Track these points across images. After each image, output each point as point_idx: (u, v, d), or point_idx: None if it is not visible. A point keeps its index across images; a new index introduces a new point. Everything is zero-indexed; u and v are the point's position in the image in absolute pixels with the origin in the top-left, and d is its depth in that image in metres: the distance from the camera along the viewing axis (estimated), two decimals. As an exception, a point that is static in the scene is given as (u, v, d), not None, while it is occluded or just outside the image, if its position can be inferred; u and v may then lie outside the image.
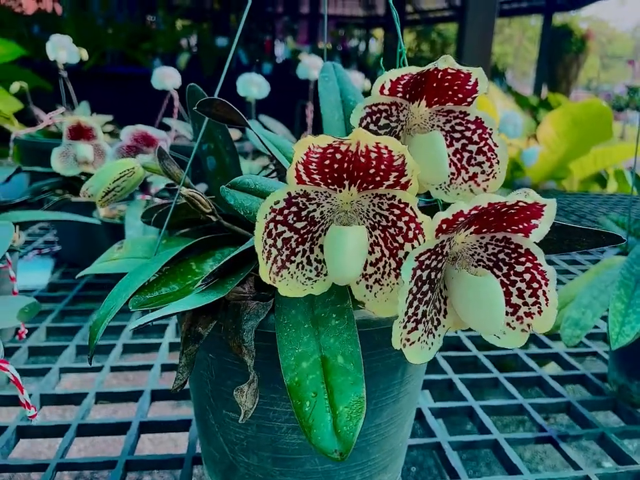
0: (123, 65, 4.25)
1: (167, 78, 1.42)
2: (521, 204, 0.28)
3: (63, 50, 1.44)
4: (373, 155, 0.29)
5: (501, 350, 0.76)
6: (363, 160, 0.29)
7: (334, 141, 0.28)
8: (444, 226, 0.28)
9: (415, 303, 0.28)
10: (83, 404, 0.59)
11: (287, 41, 4.91)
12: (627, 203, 1.80)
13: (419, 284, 0.28)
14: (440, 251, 0.29)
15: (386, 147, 0.28)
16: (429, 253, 0.28)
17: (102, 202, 0.39)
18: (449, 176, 0.36)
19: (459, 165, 0.36)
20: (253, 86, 1.20)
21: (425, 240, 0.30)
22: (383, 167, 0.29)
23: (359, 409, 0.27)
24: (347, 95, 0.45)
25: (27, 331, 0.60)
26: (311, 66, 1.27)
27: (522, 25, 10.85)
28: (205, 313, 0.34)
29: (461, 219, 0.28)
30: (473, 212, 0.27)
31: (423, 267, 0.28)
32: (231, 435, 0.40)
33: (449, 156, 0.36)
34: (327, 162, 0.29)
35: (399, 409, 0.41)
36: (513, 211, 0.29)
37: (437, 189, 0.36)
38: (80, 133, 0.97)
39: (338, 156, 0.29)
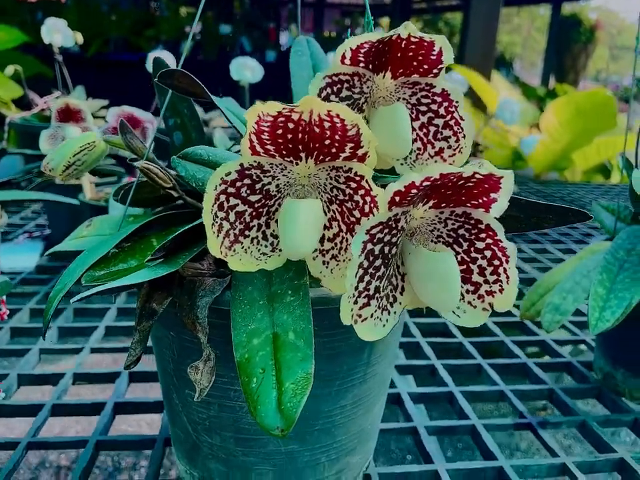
0: (126, 52, 4.24)
1: (161, 62, 1.41)
2: (477, 176, 0.27)
3: (57, 33, 1.43)
4: (327, 125, 0.28)
5: (486, 336, 0.75)
6: (317, 130, 0.28)
7: (284, 109, 0.27)
8: (397, 198, 0.27)
9: (367, 278, 0.27)
10: (59, 384, 0.59)
11: (291, 29, 4.87)
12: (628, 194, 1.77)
13: (371, 258, 0.27)
14: (394, 225, 0.28)
15: (338, 115, 0.27)
16: (381, 226, 0.27)
17: (63, 176, 0.39)
18: (415, 151, 0.35)
19: (425, 140, 0.35)
20: (247, 70, 1.18)
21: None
22: (337, 137, 0.28)
23: (305, 385, 0.27)
24: (320, 70, 0.44)
25: (8, 312, 0.59)
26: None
27: (531, 15, 10.70)
28: (160, 289, 0.33)
29: (414, 190, 0.26)
30: (425, 183, 0.26)
31: (375, 240, 0.27)
32: (193, 414, 0.39)
33: (415, 130, 0.35)
34: (280, 132, 0.28)
35: (367, 391, 0.40)
36: (470, 184, 0.28)
37: (402, 164, 0.35)
38: (68, 115, 0.96)
39: (291, 125, 0.28)
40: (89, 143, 0.38)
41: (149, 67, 1.43)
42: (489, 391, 0.62)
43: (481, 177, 0.27)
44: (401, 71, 0.34)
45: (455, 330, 0.76)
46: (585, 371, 0.66)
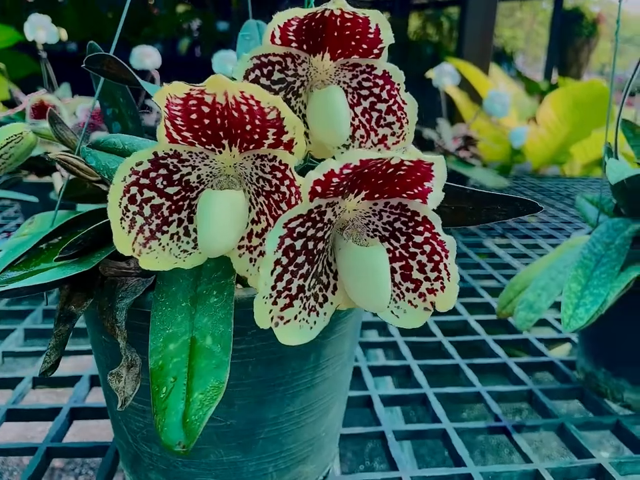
0: (124, 50, 4.22)
1: (146, 57, 1.38)
2: (406, 163, 0.24)
3: (41, 30, 1.40)
4: (244, 108, 0.25)
5: (466, 335, 0.73)
6: (236, 114, 0.26)
7: (191, 89, 0.24)
8: (318, 188, 0.24)
9: (287, 277, 0.25)
10: (16, 388, 0.57)
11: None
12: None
13: (291, 254, 0.25)
14: (318, 218, 0.25)
15: (252, 97, 0.25)
16: (301, 219, 0.25)
17: (-10, 170, 0.36)
18: (358, 139, 0.32)
19: (368, 127, 0.32)
20: (229, 63, 1.16)
21: (303, 205, 0.26)
22: (257, 122, 0.26)
23: (214, 396, 0.24)
24: (271, 56, 0.42)
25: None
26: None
27: (533, 9, 10.60)
28: (79, 290, 0.31)
29: (335, 179, 0.24)
30: (346, 170, 0.23)
31: (295, 235, 0.25)
32: (131, 423, 0.37)
33: (357, 116, 0.32)
34: (195, 116, 0.26)
35: (317, 396, 0.38)
36: (401, 172, 0.25)
37: (343, 153, 0.32)
38: (44, 111, 0.94)
39: (206, 109, 0.26)
40: (15, 135, 0.36)
41: (133, 61, 1.41)
42: (465, 393, 0.59)
43: (411, 164, 0.24)
44: (339, 51, 0.31)
45: (436, 329, 0.74)
46: (568, 370, 0.64)
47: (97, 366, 0.40)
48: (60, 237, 0.35)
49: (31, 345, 0.69)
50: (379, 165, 0.24)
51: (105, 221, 0.29)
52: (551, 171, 2.56)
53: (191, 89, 0.24)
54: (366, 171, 0.25)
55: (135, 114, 0.39)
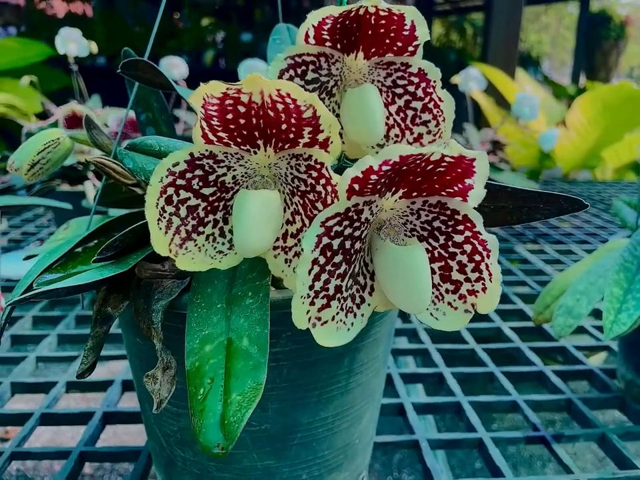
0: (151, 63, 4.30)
1: (173, 68, 1.40)
2: (447, 159, 0.23)
3: (72, 43, 1.44)
4: (280, 107, 0.25)
5: (500, 343, 0.71)
6: (271, 114, 0.26)
7: (228, 89, 0.24)
8: (356, 186, 0.24)
9: (324, 276, 0.25)
10: (50, 393, 0.58)
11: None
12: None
13: (329, 254, 0.24)
14: (355, 217, 0.25)
15: (288, 95, 0.24)
16: (338, 218, 0.24)
17: (28, 176, 0.37)
18: (392, 138, 0.32)
19: (402, 126, 0.32)
20: (256, 72, 1.16)
21: (340, 204, 0.26)
22: (293, 120, 0.26)
23: (253, 397, 0.24)
24: (302, 59, 0.41)
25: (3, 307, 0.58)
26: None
27: (559, 13, 10.46)
28: (115, 292, 0.31)
29: (374, 177, 0.23)
30: (385, 167, 0.23)
31: (332, 233, 0.24)
32: (165, 426, 0.37)
33: (392, 115, 0.32)
34: (231, 116, 0.26)
35: (351, 402, 0.37)
36: (441, 169, 0.24)
37: (377, 152, 0.32)
38: (75, 122, 0.96)
39: (242, 109, 0.25)
40: (52, 140, 0.36)
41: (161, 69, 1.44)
42: (500, 402, 0.57)
43: (451, 160, 0.23)
44: (374, 50, 0.31)
45: (468, 336, 0.72)
46: (608, 379, 0.61)
47: (131, 369, 0.40)
48: (96, 240, 0.35)
49: (64, 350, 0.70)
50: (418, 162, 0.23)
51: (141, 222, 0.29)
52: (582, 176, 2.50)
53: (227, 88, 0.24)
54: (404, 168, 0.24)
55: (168, 118, 0.39)
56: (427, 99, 0.31)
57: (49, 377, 0.62)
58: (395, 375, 0.62)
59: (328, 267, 0.25)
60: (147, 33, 4.54)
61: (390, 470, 1.07)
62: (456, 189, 0.26)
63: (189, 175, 0.27)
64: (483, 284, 0.27)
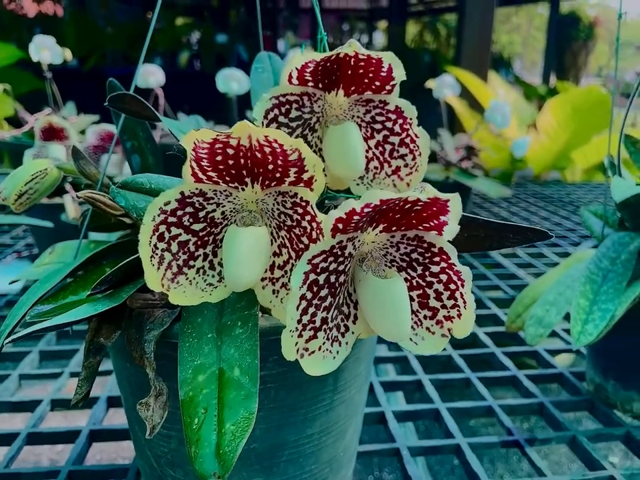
0: (124, 65, 4.26)
1: (150, 75, 1.40)
2: (423, 200, 0.25)
3: (46, 50, 1.42)
4: (267, 150, 0.27)
5: (476, 348, 0.73)
6: (259, 155, 0.27)
7: (218, 135, 0.26)
8: (340, 225, 0.26)
9: (311, 310, 0.26)
10: (36, 411, 0.58)
11: (287, 36, 4.87)
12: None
13: (315, 289, 0.26)
14: (339, 252, 0.27)
15: (276, 141, 0.26)
16: (324, 255, 0.26)
17: (16, 206, 0.38)
18: (372, 170, 0.34)
19: (381, 159, 0.33)
20: (233, 81, 1.17)
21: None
22: (279, 162, 0.27)
23: (246, 427, 0.25)
24: (283, 87, 0.43)
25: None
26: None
27: (529, 14, 10.67)
28: (108, 322, 0.32)
29: (356, 217, 0.25)
30: (367, 209, 0.25)
31: (318, 270, 0.26)
32: (156, 448, 0.38)
33: (371, 149, 0.33)
34: (220, 158, 0.27)
35: (336, 418, 0.39)
36: (418, 208, 0.26)
37: (358, 184, 0.34)
38: (52, 133, 0.96)
39: (230, 151, 0.27)
40: (40, 171, 0.37)
41: (138, 81, 1.43)
42: (477, 407, 0.60)
43: (427, 200, 0.25)
44: (353, 88, 0.32)
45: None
46: (577, 382, 0.65)
47: (120, 392, 0.41)
48: (84, 270, 0.36)
49: (46, 367, 0.70)
50: (397, 202, 0.25)
51: (133, 257, 0.30)
52: (552, 177, 2.57)
53: (217, 135, 0.25)
54: (384, 207, 0.26)
55: (154, 147, 0.40)
56: (403, 135, 0.32)
57: (34, 394, 0.62)
58: (376, 384, 0.64)
59: (315, 301, 0.26)
60: (118, 33, 4.49)
61: (371, 469, 1.10)
62: (432, 224, 0.27)
63: (179, 213, 0.28)
64: (458, 310, 0.29)
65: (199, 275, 0.29)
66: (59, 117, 1.23)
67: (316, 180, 0.28)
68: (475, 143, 1.45)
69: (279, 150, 0.26)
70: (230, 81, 1.18)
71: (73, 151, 0.37)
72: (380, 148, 0.33)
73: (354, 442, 0.44)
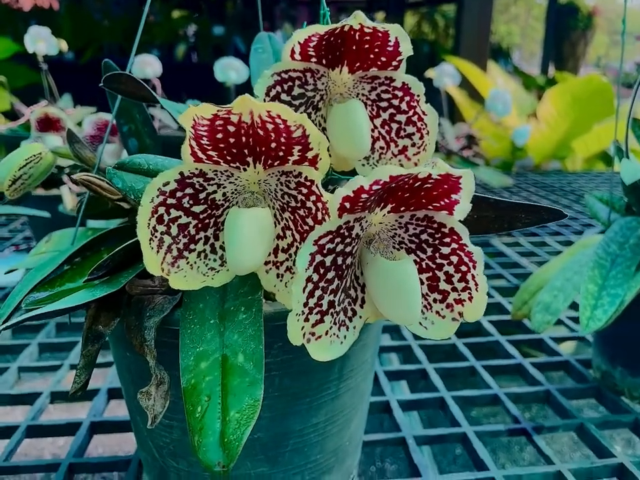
0: (120, 58, 4.22)
1: (147, 66, 1.38)
2: (434, 177, 0.24)
3: (41, 42, 1.41)
4: (270, 127, 0.25)
5: (480, 337, 0.73)
6: (261, 132, 0.26)
7: (218, 110, 0.25)
8: (347, 205, 0.24)
9: (318, 293, 0.25)
10: (35, 404, 0.57)
11: (285, 27, 4.84)
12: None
13: (322, 271, 0.25)
14: (346, 233, 0.26)
15: (279, 116, 0.25)
16: (330, 236, 0.25)
17: (10, 192, 0.36)
18: (378, 150, 0.33)
19: (387, 138, 0.32)
20: (232, 71, 1.16)
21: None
22: (282, 139, 0.26)
23: (251, 415, 0.24)
24: (283, 68, 0.42)
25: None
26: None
27: (528, 3, 10.60)
28: (106, 310, 0.31)
29: (364, 195, 0.24)
30: (375, 187, 0.24)
31: (325, 251, 0.25)
32: (158, 438, 0.37)
33: (376, 128, 0.32)
34: (221, 135, 0.26)
35: (341, 406, 0.38)
36: (428, 186, 0.25)
37: (363, 165, 0.32)
38: (48, 124, 0.94)
39: (231, 128, 0.26)
40: (34, 155, 0.36)
41: (135, 71, 1.41)
42: (482, 395, 0.59)
43: (438, 177, 0.24)
44: (358, 64, 0.31)
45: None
46: (583, 369, 0.64)
47: (120, 381, 0.40)
48: (81, 257, 0.35)
49: (46, 360, 0.69)
50: (406, 180, 0.24)
51: (132, 241, 0.29)
52: (553, 166, 2.55)
53: (218, 110, 0.24)
54: (393, 185, 0.25)
55: (151, 130, 0.39)
56: (410, 112, 0.31)
57: (33, 387, 0.61)
58: (380, 373, 0.63)
59: (321, 284, 0.25)
60: (114, 26, 4.45)
61: (373, 459, 1.09)
62: (442, 203, 0.26)
63: (179, 194, 0.27)
64: (470, 293, 0.28)
65: (200, 259, 0.28)
66: (56, 108, 1.21)
67: (321, 158, 0.27)
68: (475, 132, 1.44)
69: (282, 126, 0.25)
70: (228, 70, 1.16)
71: (68, 134, 0.36)
72: (386, 127, 0.32)
73: (359, 431, 0.43)
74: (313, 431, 0.37)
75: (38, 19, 4.32)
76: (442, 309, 0.29)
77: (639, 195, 0.55)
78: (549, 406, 0.60)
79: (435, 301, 0.29)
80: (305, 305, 0.25)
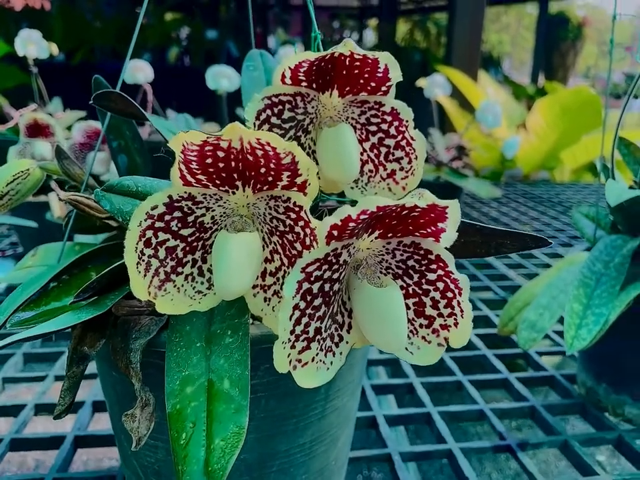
0: (112, 60, 4.20)
1: (138, 71, 1.38)
2: (420, 207, 0.24)
3: (32, 45, 1.40)
4: (259, 153, 0.26)
5: (467, 351, 0.73)
6: (250, 158, 0.26)
7: (208, 137, 0.25)
8: (335, 232, 0.25)
9: (305, 320, 0.25)
10: (20, 416, 0.56)
11: (278, 33, 4.85)
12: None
13: (309, 298, 0.25)
14: (334, 260, 0.26)
15: (268, 143, 0.25)
16: (318, 263, 0.25)
17: (-3, 207, 0.36)
18: (366, 174, 0.33)
19: (376, 162, 0.33)
20: (223, 78, 1.16)
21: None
22: (272, 165, 0.26)
23: (236, 442, 0.24)
24: (274, 86, 0.42)
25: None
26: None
27: (519, 13, 10.72)
28: (92, 330, 0.31)
29: (352, 224, 0.24)
30: (363, 216, 0.24)
31: (312, 278, 0.25)
32: (142, 458, 0.37)
33: (365, 151, 0.33)
34: (210, 160, 0.26)
35: (327, 426, 0.38)
36: (415, 214, 0.25)
37: (352, 188, 0.33)
38: (37, 130, 0.94)
39: (221, 154, 0.26)
40: (22, 172, 0.36)
41: (126, 76, 1.41)
42: (468, 411, 0.59)
43: (425, 207, 0.24)
44: (348, 89, 0.31)
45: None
46: (568, 385, 0.64)
47: (106, 399, 0.39)
48: (68, 274, 0.35)
49: (31, 370, 0.68)
50: (394, 208, 0.24)
51: (118, 263, 0.29)
52: (541, 176, 2.58)
53: (207, 137, 0.24)
54: (381, 213, 0.25)
55: (141, 147, 0.39)
56: (399, 137, 0.32)
57: (17, 398, 0.60)
58: (367, 387, 0.63)
59: (308, 311, 0.25)
60: (106, 27, 4.42)
61: (360, 468, 1.09)
62: (429, 230, 0.27)
63: (167, 217, 0.27)
64: (455, 319, 0.28)
65: (188, 282, 0.28)
66: (45, 113, 1.21)
67: (309, 184, 0.27)
68: (465, 143, 1.45)
69: (271, 153, 0.25)
70: (220, 77, 1.16)
71: (56, 150, 0.36)
72: (375, 150, 0.32)
73: (345, 449, 0.43)
74: (299, 451, 0.37)
75: (29, 19, 4.29)
76: (428, 334, 0.29)
77: (624, 214, 0.56)
78: (534, 422, 0.60)
79: (421, 326, 0.29)
80: (292, 332, 0.25)
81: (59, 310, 0.32)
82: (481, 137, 2.06)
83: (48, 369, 0.66)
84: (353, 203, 0.32)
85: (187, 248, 0.28)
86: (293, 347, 0.25)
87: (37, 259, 0.42)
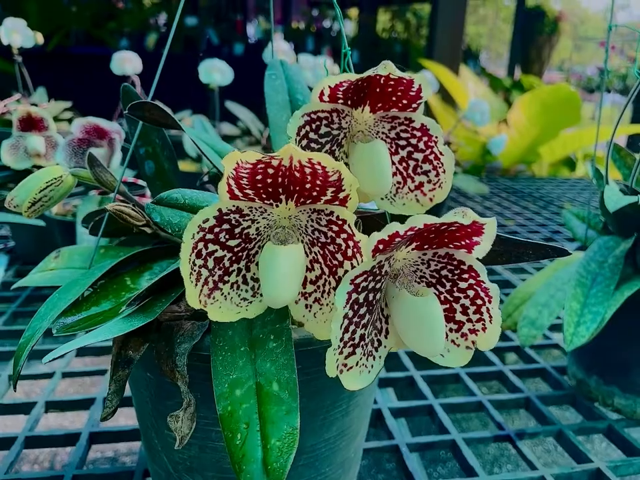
0: (88, 45, 4.11)
1: (126, 62, 1.36)
2: (458, 223, 0.26)
3: (16, 34, 1.37)
4: (308, 170, 0.27)
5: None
6: (298, 175, 0.28)
7: (263, 157, 0.26)
8: (380, 246, 0.26)
9: (352, 328, 0.27)
10: (31, 414, 0.57)
11: (258, 21, 4.80)
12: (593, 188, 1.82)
13: (356, 307, 0.27)
14: (378, 272, 0.28)
15: (319, 163, 0.26)
16: (365, 275, 0.27)
17: (28, 213, 0.37)
18: (394, 185, 0.35)
19: (404, 174, 0.34)
20: (216, 72, 1.16)
21: (362, 259, 0.28)
22: (318, 182, 0.28)
23: (292, 442, 0.26)
24: (296, 94, 0.43)
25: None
26: (277, 51, 1.24)
27: (496, 6, 10.82)
28: (136, 335, 0.32)
29: (398, 239, 0.26)
30: (410, 232, 0.26)
31: (359, 289, 0.27)
32: (174, 454, 0.38)
33: (394, 164, 0.34)
34: (260, 177, 0.28)
35: (350, 422, 0.40)
36: (453, 229, 0.27)
37: (382, 199, 0.34)
38: (30, 123, 0.93)
39: (270, 171, 0.27)
40: (55, 178, 0.36)
41: (113, 67, 1.39)
42: (468, 402, 0.62)
43: (467, 224, 0.26)
44: (380, 105, 0.33)
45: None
46: (559, 376, 0.68)
47: (134, 399, 0.41)
48: (104, 279, 0.36)
49: (37, 368, 0.69)
50: (438, 225, 0.26)
51: (166, 273, 0.30)
52: (519, 169, 2.64)
53: (262, 156, 0.26)
54: (420, 230, 0.27)
55: (170, 154, 0.40)
56: (428, 151, 0.33)
57: (26, 397, 0.61)
58: (370, 381, 0.65)
59: (355, 319, 0.27)
60: (81, 12, 4.31)
61: (370, 459, 1.12)
62: (463, 243, 0.29)
63: (217, 230, 0.29)
64: (483, 324, 0.30)
65: (233, 290, 0.30)
66: (30, 103, 1.19)
67: (351, 198, 0.29)
68: (452, 139, 1.48)
69: (320, 171, 0.27)
70: (212, 71, 1.16)
71: (88, 158, 0.36)
72: (404, 164, 0.34)
73: (362, 441, 0.45)
74: (324, 446, 0.39)
75: (3, 2, 4.15)
76: (457, 338, 0.31)
77: (615, 217, 0.59)
78: (529, 412, 0.63)
79: (451, 330, 0.31)
80: (341, 339, 0.27)
81: (100, 315, 0.33)
82: (464, 131, 2.10)
83: (54, 367, 0.67)
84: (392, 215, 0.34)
85: (233, 257, 0.30)
86: (340, 352, 0.27)
87: (61, 262, 0.43)
